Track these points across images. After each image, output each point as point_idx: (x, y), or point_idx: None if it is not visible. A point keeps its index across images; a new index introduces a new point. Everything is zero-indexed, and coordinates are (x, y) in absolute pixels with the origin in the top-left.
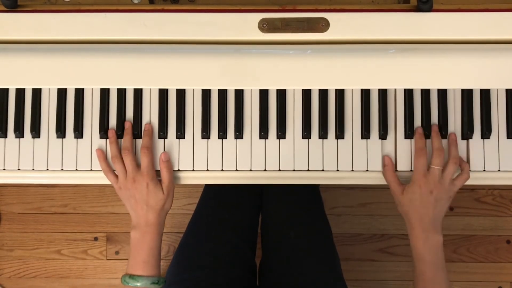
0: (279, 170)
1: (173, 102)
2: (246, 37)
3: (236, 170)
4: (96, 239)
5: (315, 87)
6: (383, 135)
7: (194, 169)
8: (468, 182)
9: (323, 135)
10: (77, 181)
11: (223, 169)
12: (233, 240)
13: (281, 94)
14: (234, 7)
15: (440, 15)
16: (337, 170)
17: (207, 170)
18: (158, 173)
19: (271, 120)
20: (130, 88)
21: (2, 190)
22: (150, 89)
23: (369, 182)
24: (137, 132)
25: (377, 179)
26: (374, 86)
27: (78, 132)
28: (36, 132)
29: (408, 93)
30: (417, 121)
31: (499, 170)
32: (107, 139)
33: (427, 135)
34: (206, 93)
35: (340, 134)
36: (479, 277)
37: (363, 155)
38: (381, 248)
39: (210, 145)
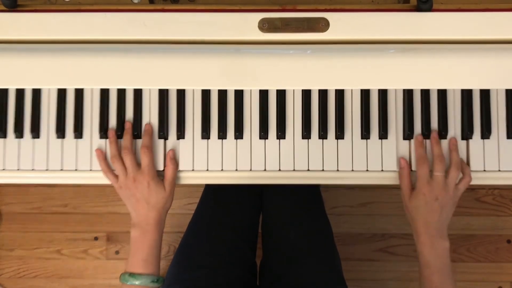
0: (279, 170)
1: (173, 102)
2: (246, 37)
3: (236, 170)
4: (96, 239)
5: (315, 87)
6: (383, 135)
7: (194, 169)
8: None
9: (323, 135)
10: (77, 181)
11: (223, 169)
12: (233, 240)
13: (281, 94)
14: (234, 7)
15: (440, 15)
16: (337, 170)
17: (207, 170)
18: (158, 172)
19: (271, 120)
20: (130, 88)
21: (2, 190)
22: (150, 89)
23: (369, 182)
24: (137, 133)
25: (377, 179)
26: (374, 86)
27: (78, 132)
28: (36, 132)
29: (408, 94)
30: (417, 121)
31: (499, 170)
32: (107, 139)
33: (427, 135)
34: (206, 93)
35: (340, 134)
36: (479, 277)
37: (363, 155)
38: (381, 248)
39: (210, 145)
